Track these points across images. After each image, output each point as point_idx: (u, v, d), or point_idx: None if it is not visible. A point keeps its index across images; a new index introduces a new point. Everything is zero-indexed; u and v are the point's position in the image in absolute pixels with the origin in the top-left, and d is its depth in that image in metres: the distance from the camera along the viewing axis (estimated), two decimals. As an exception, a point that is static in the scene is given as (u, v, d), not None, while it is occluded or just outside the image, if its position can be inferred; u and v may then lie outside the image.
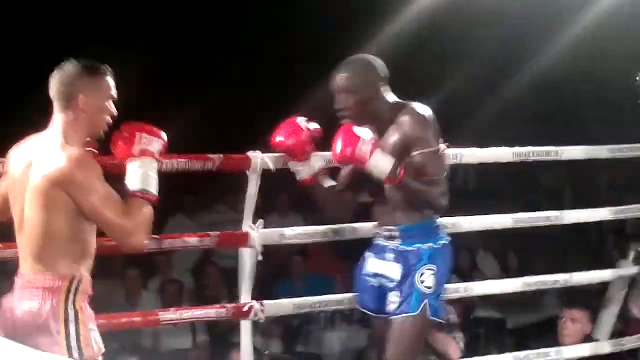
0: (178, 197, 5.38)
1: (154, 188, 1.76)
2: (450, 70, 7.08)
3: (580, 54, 6.45)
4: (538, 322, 5.34)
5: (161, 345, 4.35)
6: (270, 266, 4.27)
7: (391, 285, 2.24)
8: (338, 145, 2.12)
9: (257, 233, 2.42)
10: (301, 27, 7.11)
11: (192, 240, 2.47)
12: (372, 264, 2.31)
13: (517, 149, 2.86)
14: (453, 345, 3.16)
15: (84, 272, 1.75)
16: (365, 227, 2.55)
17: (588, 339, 3.21)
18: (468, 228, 2.83)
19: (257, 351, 3.01)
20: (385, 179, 2.11)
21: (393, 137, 2.20)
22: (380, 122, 2.22)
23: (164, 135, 1.85)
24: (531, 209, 3.36)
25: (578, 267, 3.62)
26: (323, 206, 2.37)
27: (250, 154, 2.38)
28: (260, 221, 2.46)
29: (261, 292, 3.23)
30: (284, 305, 2.65)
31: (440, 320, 2.31)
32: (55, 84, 1.75)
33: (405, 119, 2.18)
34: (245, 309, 2.43)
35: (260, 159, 2.36)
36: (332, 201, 2.35)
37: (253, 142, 2.54)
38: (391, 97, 2.25)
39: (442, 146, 2.21)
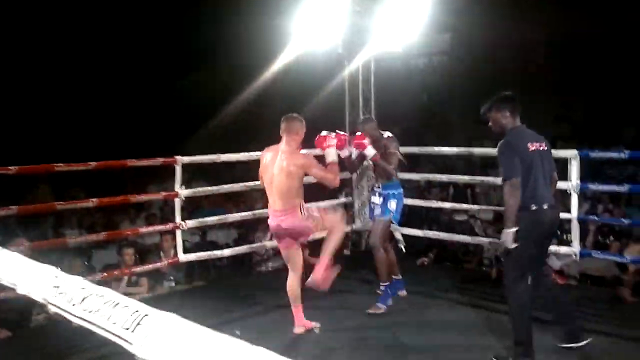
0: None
1: (334, 159, 4.34)
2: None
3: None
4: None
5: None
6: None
7: (377, 206, 5.08)
8: (356, 143, 4.93)
9: (182, 192, 5.43)
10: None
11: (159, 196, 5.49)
12: (372, 198, 5.22)
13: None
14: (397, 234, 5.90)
15: (302, 199, 4.23)
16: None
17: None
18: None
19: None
20: (371, 158, 4.94)
21: (381, 147, 4.98)
22: (377, 139, 5.04)
23: (334, 136, 4.44)
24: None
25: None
26: (349, 167, 5.35)
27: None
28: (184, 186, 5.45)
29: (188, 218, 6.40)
30: (194, 223, 5.76)
31: (394, 223, 5.16)
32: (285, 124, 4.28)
33: (389, 138, 5.05)
34: (178, 224, 5.46)
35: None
36: (353, 166, 5.31)
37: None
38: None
39: (397, 152, 5.05)
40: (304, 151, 4.36)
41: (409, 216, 8.40)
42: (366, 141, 4.90)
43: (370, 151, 4.92)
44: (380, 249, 4.98)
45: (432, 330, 4.58)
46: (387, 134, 5.11)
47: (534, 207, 3.68)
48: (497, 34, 12.80)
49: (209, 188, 6.11)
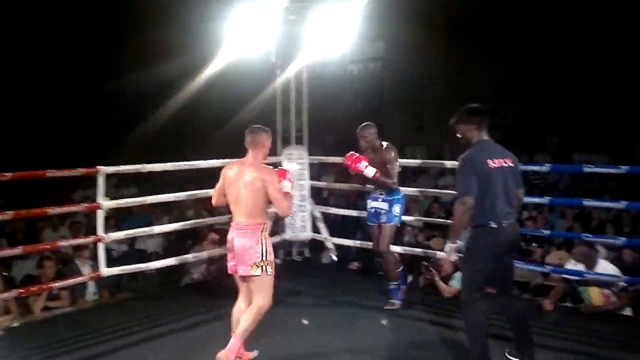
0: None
1: (290, 191, 4.02)
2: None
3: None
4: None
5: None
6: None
7: (383, 211, 5.18)
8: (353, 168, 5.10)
9: (105, 203, 5.21)
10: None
11: (79, 208, 5.25)
12: (371, 203, 5.26)
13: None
14: None
15: (267, 221, 3.93)
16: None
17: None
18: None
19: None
20: (372, 178, 5.05)
21: (380, 157, 5.07)
22: (376, 148, 5.12)
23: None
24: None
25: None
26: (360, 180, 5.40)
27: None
28: (107, 197, 5.22)
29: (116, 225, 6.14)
30: (119, 235, 5.53)
31: (398, 225, 5.31)
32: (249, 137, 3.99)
33: (387, 149, 5.07)
34: (99, 237, 5.24)
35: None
36: (360, 180, 5.36)
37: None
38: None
39: (397, 165, 5.12)
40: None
41: (341, 225, 8.45)
42: (361, 165, 5.04)
43: (369, 172, 5.04)
44: (393, 253, 5.36)
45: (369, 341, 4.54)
46: (385, 143, 5.15)
47: (492, 225, 3.65)
48: (429, 41, 13.03)
49: (134, 200, 5.91)
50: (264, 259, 3.87)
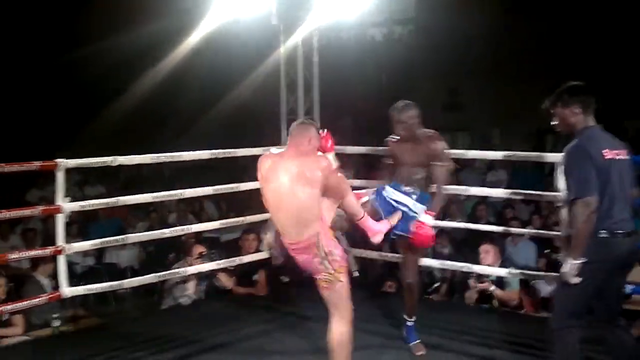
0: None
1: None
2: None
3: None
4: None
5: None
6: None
7: (414, 217, 4.59)
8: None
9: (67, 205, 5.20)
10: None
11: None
12: (399, 196, 4.69)
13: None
14: None
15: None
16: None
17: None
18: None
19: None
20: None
21: (424, 151, 4.68)
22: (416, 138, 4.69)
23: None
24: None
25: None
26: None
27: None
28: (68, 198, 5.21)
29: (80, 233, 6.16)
30: (83, 245, 5.54)
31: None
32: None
33: (432, 138, 4.65)
34: (59, 248, 5.22)
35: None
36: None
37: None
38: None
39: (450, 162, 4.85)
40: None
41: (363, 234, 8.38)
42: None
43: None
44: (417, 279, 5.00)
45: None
46: (429, 131, 4.74)
47: (603, 234, 3.58)
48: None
49: (103, 200, 5.87)
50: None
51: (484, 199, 8.96)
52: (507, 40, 13.52)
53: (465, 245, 7.45)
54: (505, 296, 6.00)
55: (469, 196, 8.83)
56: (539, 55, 13.29)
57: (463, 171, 11.36)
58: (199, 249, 6.78)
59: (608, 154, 3.60)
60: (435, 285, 6.89)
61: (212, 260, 6.46)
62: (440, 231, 6.93)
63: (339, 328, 3.91)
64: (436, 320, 5.51)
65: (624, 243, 3.59)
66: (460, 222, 7.37)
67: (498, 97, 13.89)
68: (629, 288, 5.45)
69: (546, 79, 13.18)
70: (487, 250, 6.20)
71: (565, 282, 3.61)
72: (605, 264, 3.60)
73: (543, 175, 10.07)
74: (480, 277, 6.02)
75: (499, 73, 13.78)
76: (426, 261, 5.76)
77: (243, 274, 6.62)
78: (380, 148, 6.93)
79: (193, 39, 8.19)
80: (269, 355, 4.87)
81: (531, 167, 10.93)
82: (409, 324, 5.02)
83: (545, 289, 6.18)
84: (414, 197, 4.69)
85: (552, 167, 5.26)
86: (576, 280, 3.57)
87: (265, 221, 5.94)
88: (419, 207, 4.65)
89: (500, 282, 6.03)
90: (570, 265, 3.57)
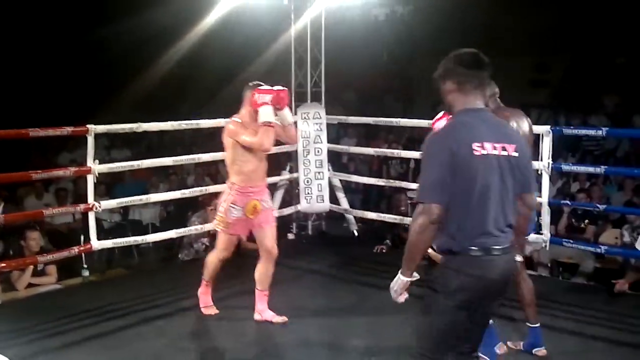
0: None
1: (271, 119, 4.24)
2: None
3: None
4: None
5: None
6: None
7: None
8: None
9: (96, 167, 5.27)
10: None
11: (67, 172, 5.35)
12: None
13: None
14: None
15: (233, 181, 4.47)
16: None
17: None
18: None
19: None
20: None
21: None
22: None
23: (275, 90, 4.28)
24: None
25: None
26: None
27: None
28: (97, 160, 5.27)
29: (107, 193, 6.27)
30: (110, 204, 5.61)
31: None
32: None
33: (513, 114, 3.81)
34: (90, 205, 5.30)
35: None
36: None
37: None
38: None
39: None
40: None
41: (364, 196, 8.45)
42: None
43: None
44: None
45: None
46: (508, 110, 3.89)
47: (474, 252, 2.58)
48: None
49: (129, 163, 5.94)
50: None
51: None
52: (501, 23, 13.39)
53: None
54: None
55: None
56: (527, 35, 13.20)
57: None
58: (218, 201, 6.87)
59: (482, 148, 2.55)
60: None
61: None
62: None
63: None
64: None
65: (500, 263, 2.61)
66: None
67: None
68: (602, 248, 5.59)
69: (532, 55, 13.24)
70: None
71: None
72: (476, 287, 2.60)
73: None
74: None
75: (493, 52, 13.66)
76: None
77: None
78: (381, 119, 7.04)
79: (211, 18, 8.16)
80: (278, 303, 4.93)
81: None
82: (533, 326, 4.10)
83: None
84: None
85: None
86: (401, 299, 2.72)
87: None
88: None
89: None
90: (399, 282, 2.70)
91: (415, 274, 2.66)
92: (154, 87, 12.33)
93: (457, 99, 2.67)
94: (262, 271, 4.56)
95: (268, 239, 4.52)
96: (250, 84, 4.39)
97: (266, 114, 4.24)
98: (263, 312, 4.60)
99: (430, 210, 2.51)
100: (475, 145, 2.54)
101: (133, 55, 12.55)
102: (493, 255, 2.59)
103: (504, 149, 2.60)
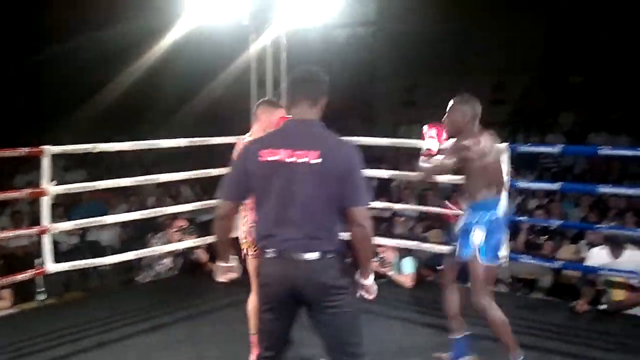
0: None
1: None
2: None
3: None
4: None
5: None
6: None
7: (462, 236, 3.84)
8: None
9: (52, 188, 5.17)
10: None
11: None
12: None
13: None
14: None
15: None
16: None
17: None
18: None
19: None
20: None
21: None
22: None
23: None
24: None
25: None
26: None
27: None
28: (54, 182, 5.18)
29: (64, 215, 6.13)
30: (67, 226, 5.52)
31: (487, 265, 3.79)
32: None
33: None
34: (44, 228, 5.19)
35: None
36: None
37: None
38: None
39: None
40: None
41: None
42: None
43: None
44: (494, 308, 3.79)
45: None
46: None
47: (270, 254, 2.79)
48: (428, 1, 13.01)
49: (85, 184, 5.86)
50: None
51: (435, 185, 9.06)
52: (460, 43, 13.64)
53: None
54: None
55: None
56: (486, 56, 13.47)
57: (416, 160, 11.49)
58: (180, 222, 6.82)
59: (270, 154, 2.74)
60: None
61: (190, 233, 6.58)
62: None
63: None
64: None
65: (299, 269, 2.71)
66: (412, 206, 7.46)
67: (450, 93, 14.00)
68: (558, 264, 5.69)
69: (491, 75, 13.50)
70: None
71: None
72: (265, 286, 2.83)
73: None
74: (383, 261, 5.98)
75: (451, 73, 13.94)
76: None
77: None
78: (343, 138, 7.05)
79: (170, 38, 8.15)
80: (239, 323, 4.89)
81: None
82: None
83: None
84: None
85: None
86: (223, 279, 3.09)
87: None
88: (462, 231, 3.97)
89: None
90: (219, 267, 3.07)
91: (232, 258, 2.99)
92: (109, 108, 12.20)
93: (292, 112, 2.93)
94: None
95: None
96: (260, 101, 4.29)
97: None
98: None
99: (219, 206, 2.91)
100: (262, 152, 2.76)
101: (89, 74, 12.42)
102: (285, 258, 2.74)
103: (301, 156, 2.72)
